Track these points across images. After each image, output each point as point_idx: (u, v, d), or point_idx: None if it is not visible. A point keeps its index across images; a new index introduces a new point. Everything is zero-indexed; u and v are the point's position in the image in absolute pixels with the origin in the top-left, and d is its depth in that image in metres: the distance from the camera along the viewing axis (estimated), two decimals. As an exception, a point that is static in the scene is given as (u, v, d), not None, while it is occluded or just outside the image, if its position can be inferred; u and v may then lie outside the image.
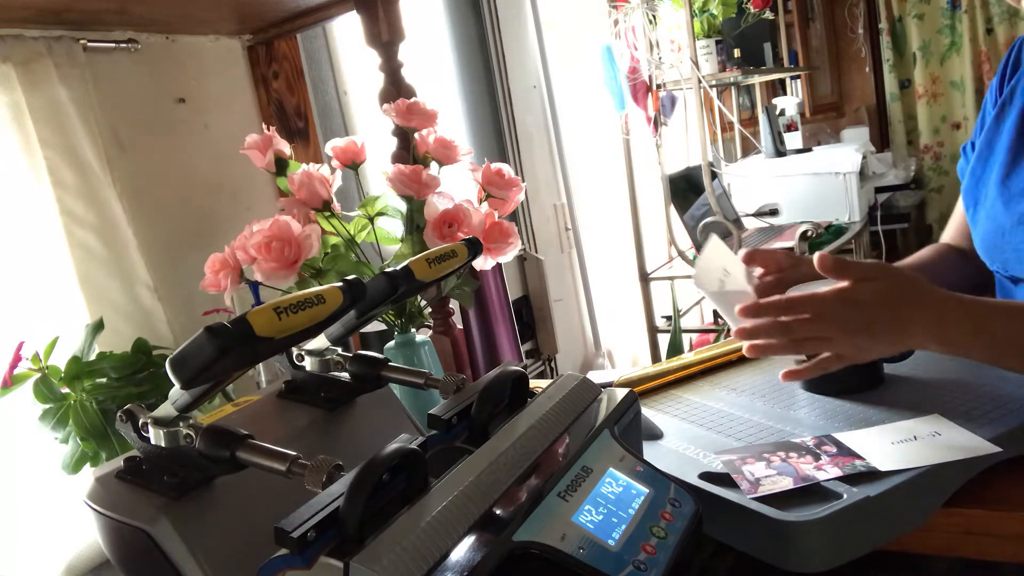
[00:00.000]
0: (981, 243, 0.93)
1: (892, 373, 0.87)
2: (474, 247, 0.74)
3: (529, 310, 2.03)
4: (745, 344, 0.75)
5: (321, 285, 0.53)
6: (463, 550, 0.46)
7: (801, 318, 0.71)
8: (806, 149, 3.07)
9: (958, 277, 0.99)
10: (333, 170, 1.01)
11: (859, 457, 0.67)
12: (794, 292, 0.77)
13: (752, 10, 2.72)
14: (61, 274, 0.99)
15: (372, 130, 1.50)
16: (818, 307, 0.70)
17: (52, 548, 0.91)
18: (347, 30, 1.60)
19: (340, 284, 0.54)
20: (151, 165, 1.15)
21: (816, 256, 0.72)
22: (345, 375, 0.71)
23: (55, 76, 0.97)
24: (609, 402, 0.67)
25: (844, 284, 0.71)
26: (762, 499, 0.63)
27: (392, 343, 0.99)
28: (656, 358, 2.58)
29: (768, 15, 2.79)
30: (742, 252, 0.81)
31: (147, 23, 1.12)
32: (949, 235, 1.07)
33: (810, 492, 0.64)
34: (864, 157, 2.81)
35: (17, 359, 0.81)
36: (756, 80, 3.28)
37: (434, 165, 1.01)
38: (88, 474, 0.60)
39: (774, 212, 2.82)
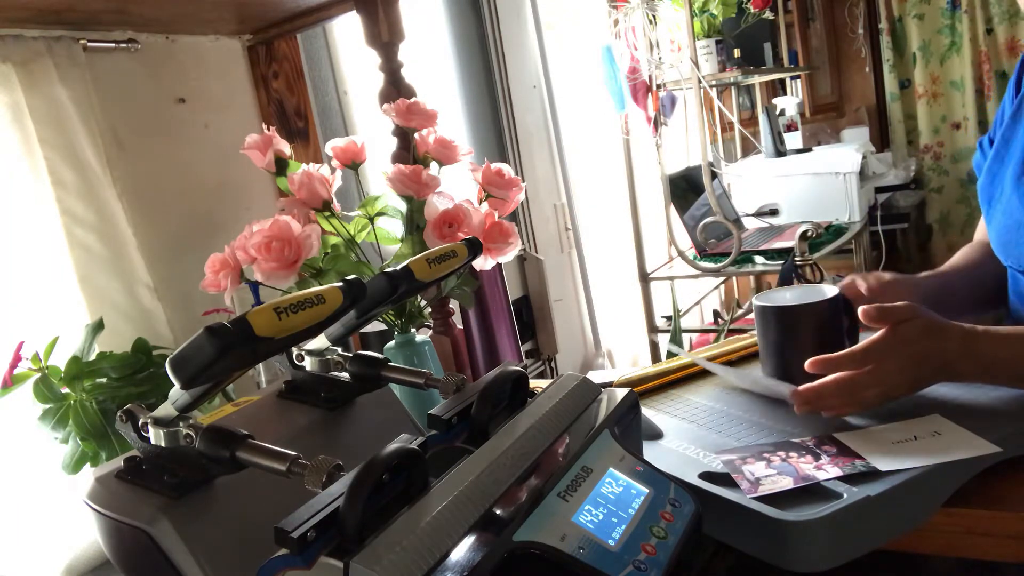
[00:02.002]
0: (996, 239, 0.93)
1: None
2: (474, 247, 0.74)
3: (529, 310, 2.03)
4: (798, 403, 0.75)
5: (321, 285, 0.53)
6: (463, 550, 0.46)
7: (865, 371, 0.73)
8: (806, 149, 3.07)
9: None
10: (333, 170, 1.01)
11: (859, 457, 0.67)
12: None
13: (752, 10, 2.72)
14: (61, 274, 0.99)
15: (372, 130, 1.49)
16: (876, 355, 0.73)
17: (52, 548, 0.90)
18: (347, 30, 1.59)
19: (340, 284, 0.54)
20: (151, 165, 1.15)
21: (861, 312, 0.75)
22: (345, 375, 0.71)
23: (55, 76, 0.97)
24: (609, 402, 0.67)
25: (887, 328, 0.73)
26: (762, 499, 0.63)
27: (392, 343, 0.99)
28: (656, 358, 2.58)
29: (768, 15, 2.79)
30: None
31: (147, 23, 1.12)
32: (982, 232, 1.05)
33: (810, 492, 0.64)
34: (864, 157, 2.80)
35: (17, 359, 0.81)
36: (756, 80, 3.28)
37: (434, 165, 1.01)
38: (88, 474, 0.60)
39: (774, 212, 2.82)
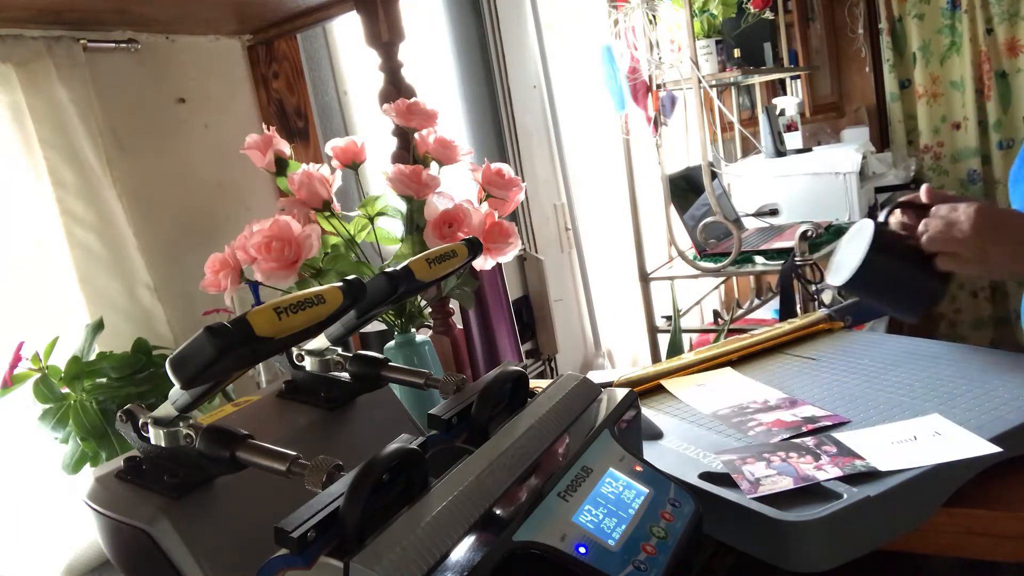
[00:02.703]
0: None
1: (891, 370, 0.87)
2: (474, 247, 0.74)
3: (529, 310, 2.03)
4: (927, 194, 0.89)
5: (321, 285, 0.53)
6: (463, 550, 0.46)
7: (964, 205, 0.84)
8: (806, 149, 3.06)
9: None
10: (333, 170, 1.01)
11: (859, 457, 0.67)
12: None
13: (752, 10, 2.71)
14: (61, 274, 0.99)
15: (372, 130, 1.49)
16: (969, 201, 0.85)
17: (52, 548, 0.91)
18: (347, 30, 1.59)
19: (340, 284, 0.54)
20: (151, 165, 1.15)
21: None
22: (345, 375, 0.71)
23: (55, 76, 0.97)
24: (609, 402, 0.67)
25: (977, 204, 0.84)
26: (762, 499, 0.63)
27: (392, 343, 0.99)
28: (656, 358, 2.58)
29: (768, 15, 2.78)
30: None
31: (147, 23, 1.12)
32: None
33: (810, 492, 0.64)
34: (864, 157, 2.80)
35: (17, 359, 0.81)
36: (756, 80, 3.27)
37: (434, 165, 1.01)
38: (88, 474, 0.60)
39: (774, 212, 2.82)
